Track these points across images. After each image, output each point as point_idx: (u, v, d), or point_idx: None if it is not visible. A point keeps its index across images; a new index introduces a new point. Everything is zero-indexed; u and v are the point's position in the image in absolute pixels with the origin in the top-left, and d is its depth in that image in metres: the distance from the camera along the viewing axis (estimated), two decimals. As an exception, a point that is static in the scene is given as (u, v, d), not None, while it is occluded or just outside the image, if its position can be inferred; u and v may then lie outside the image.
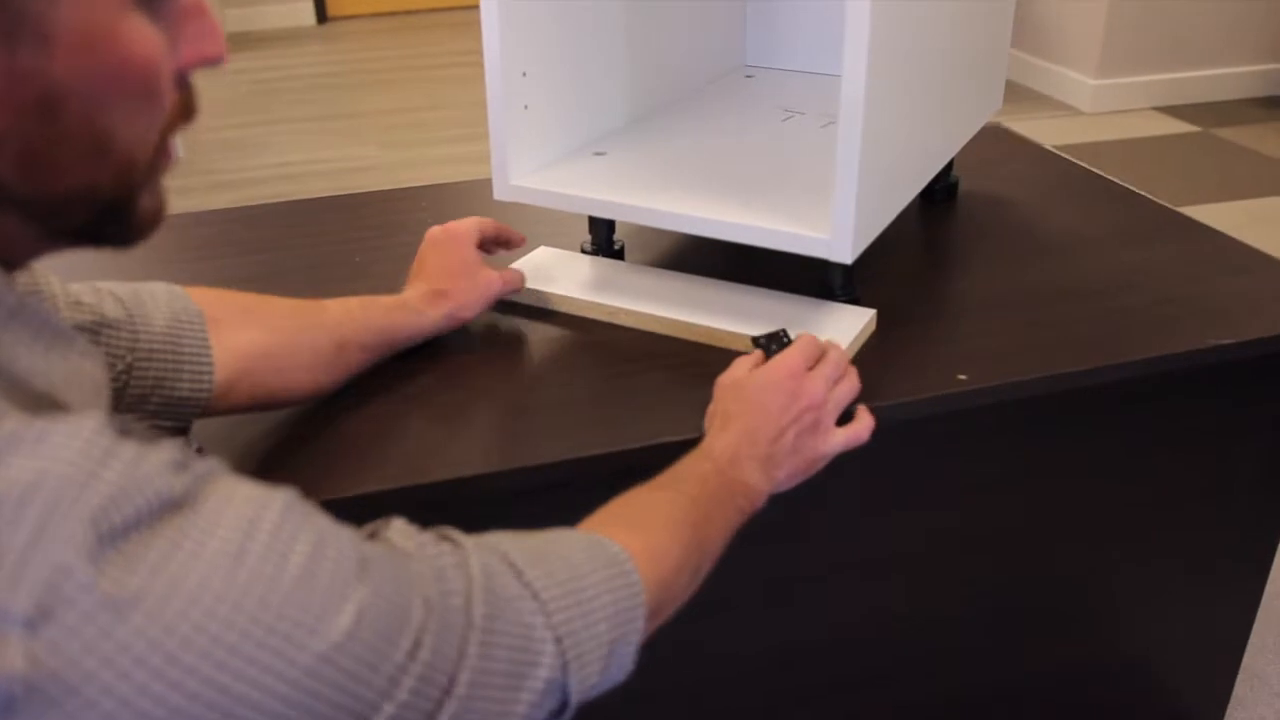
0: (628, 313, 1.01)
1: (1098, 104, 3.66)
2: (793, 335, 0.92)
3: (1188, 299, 1.06)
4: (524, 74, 1.00)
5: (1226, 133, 3.44)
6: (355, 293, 1.09)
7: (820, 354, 0.86)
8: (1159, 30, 3.62)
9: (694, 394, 0.91)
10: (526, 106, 1.02)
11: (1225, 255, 1.16)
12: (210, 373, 0.77)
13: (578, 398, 0.91)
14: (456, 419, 0.88)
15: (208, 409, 0.78)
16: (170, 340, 0.76)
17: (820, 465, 0.85)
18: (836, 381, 0.85)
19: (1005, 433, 1.00)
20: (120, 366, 0.73)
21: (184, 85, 0.49)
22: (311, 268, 1.16)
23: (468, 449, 0.84)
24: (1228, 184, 3.01)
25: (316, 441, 0.85)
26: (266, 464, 0.82)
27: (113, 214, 0.48)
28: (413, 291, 0.96)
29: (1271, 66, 3.77)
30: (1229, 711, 1.31)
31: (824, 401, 0.83)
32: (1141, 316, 1.03)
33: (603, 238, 1.14)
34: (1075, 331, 1.01)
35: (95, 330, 0.71)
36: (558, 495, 0.87)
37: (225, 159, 3.33)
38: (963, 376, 0.92)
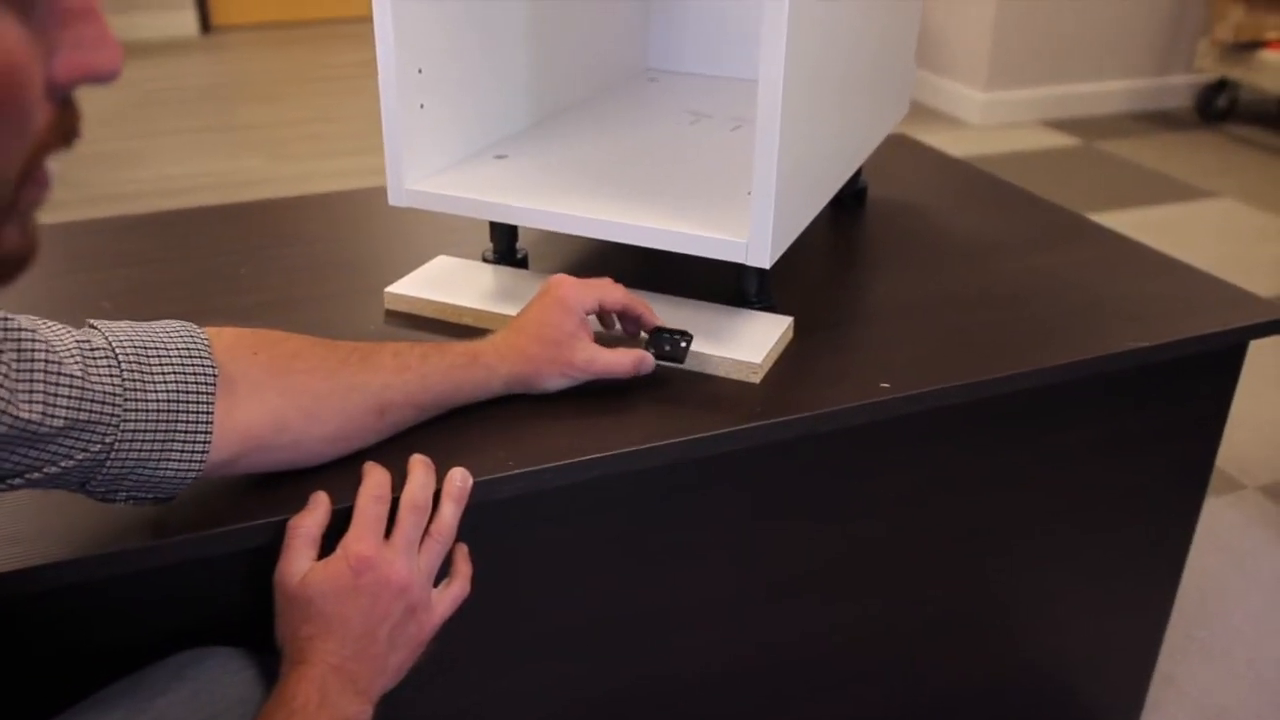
0: (534, 324, 0.96)
1: (986, 117, 3.73)
2: (693, 342, 0.89)
3: (1103, 303, 1.05)
4: (419, 70, 0.95)
5: (1107, 145, 3.54)
6: (240, 306, 1.03)
7: (384, 503, 0.73)
8: (1043, 45, 3.71)
9: (600, 408, 0.86)
10: (422, 106, 0.97)
11: (1135, 260, 1.16)
12: (204, 453, 0.67)
13: (479, 416, 0.85)
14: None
15: (202, 481, 0.69)
16: (166, 418, 0.65)
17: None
18: (422, 535, 0.73)
19: (922, 441, 0.97)
20: (98, 446, 0.63)
21: (63, 102, 0.39)
22: (194, 281, 1.08)
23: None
24: (1112, 195, 3.09)
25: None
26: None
27: None
28: (495, 341, 0.84)
29: (1147, 82, 3.90)
30: (1143, 716, 1.31)
31: (411, 580, 0.71)
32: (1060, 321, 1.02)
33: (505, 245, 1.08)
34: (994, 337, 0.99)
35: (70, 417, 0.61)
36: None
37: (103, 172, 3.17)
38: (886, 385, 0.89)
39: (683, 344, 0.89)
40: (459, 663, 0.88)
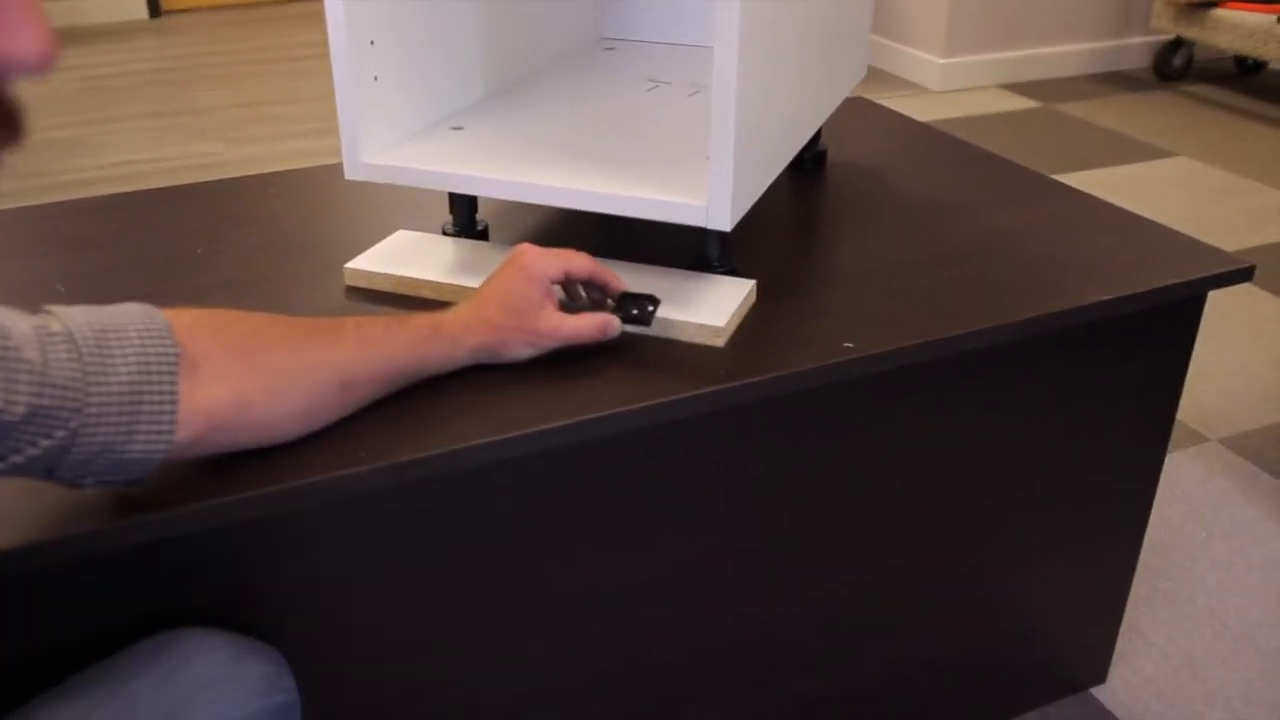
0: (496, 295, 0.95)
1: (946, 82, 3.74)
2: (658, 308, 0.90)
3: (1064, 259, 1.06)
4: (372, 42, 0.93)
5: (1066, 107, 3.56)
6: (198, 287, 1.01)
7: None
8: (1000, 9, 3.72)
9: (564, 375, 0.86)
10: (376, 77, 0.95)
11: (1094, 215, 1.17)
12: (169, 433, 0.67)
13: (444, 387, 0.84)
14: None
15: (165, 463, 0.68)
16: (129, 399, 0.65)
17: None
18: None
19: (887, 401, 0.98)
20: (61, 433, 0.62)
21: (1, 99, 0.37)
22: (150, 263, 1.06)
23: (335, 445, 0.77)
24: (1072, 156, 3.11)
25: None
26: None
27: None
28: (458, 312, 0.84)
29: (1104, 44, 3.92)
30: (1111, 667, 1.33)
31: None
32: (1021, 277, 1.02)
33: (464, 217, 1.07)
34: (957, 294, 0.99)
35: (31, 405, 0.60)
36: (422, 491, 0.81)
37: (54, 160, 3.12)
38: (849, 345, 0.90)
39: (650, 308, 0.89)
40: (431, 638, 0.87)
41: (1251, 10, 3.40)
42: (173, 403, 0.67)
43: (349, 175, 0.97)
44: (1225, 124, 3.40)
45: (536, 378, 0.85)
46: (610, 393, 0.84)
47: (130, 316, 0.67)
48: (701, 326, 0.90)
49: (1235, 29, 3.42)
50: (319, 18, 4.64)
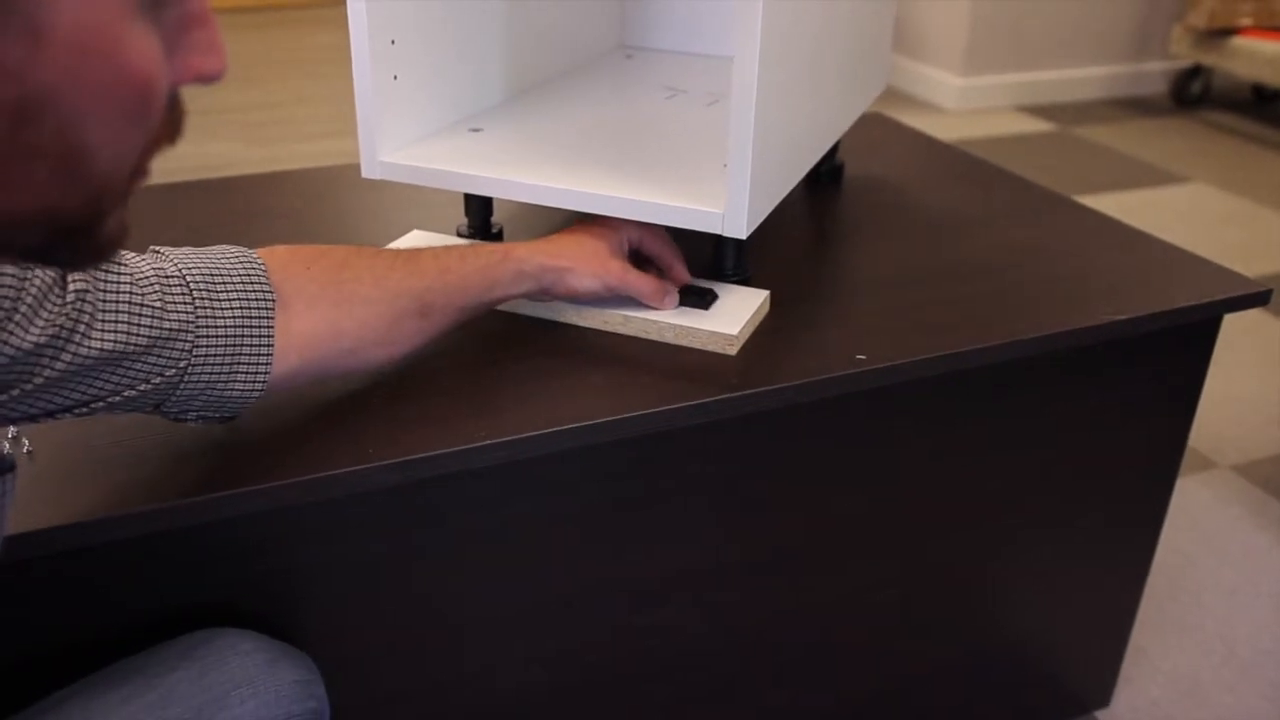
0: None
1: (962, 103, 3.74)
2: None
3: (1078, 277, 1.06)
4: (392, 41, 0.94)
5: (1083, 131, 3.56)
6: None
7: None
8: (1019, 31, 3.73)
9: (578, 379, 0.86)
10: (396, 77, 0.95)
11: (1110, 234, 1.16)
12: (267, 372, 0.72)
13: (456, 387, 0.84)
14: (330, 410, 0.81)
15: (265, 398, 0.74)
16: (232, 341, 0.70)
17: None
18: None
19: (897, 414, 0.97)
20: (173, 371, 0.67)
21: (174, 102, 0.42)
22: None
23: (339, 442, 0.77)
24: (1088, 179, 3.11)
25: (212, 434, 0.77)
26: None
27: (70, 238, 0.42)
28: (529, 243, 0.88)
29: (1122, 68, 3.92)
30: (1116, 690, 1.32)
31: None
32: (1035, 294, 1.02)
33: (480, 219, 1.07)
34: (970, 310, 0.99)
35: (149, 344, 0.66)
36: (433, 491, 0.81)
37: (72, 155, 3.13)
38: (861, 356, 0.89)
39: (708, 296, 0.93)
40: (432, 637, 0.87)
41: (1269, 39, 3.40)
42: (269, 345, 0.71)
43: (366, 173, 0.97)
44: (1242, 151, 3.39)
45: (547, 381, 0.85)
46: (620, 398, 0.84)
47: (232, 261, 0.72)
48: (714, 334, 0.90)
49: (1253, 57, 3.42)
50: (338, 21, 4.66)
